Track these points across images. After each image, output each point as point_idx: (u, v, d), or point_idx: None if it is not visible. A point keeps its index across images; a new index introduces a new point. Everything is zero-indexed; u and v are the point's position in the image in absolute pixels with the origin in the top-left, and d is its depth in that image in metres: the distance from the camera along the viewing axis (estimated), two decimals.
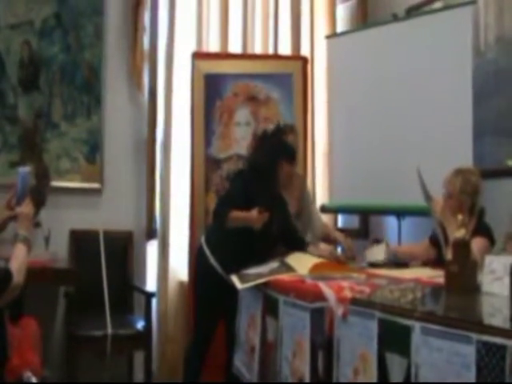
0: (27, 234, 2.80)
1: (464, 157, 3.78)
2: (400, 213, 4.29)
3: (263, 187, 3.63)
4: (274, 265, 3.34)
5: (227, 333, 3.75)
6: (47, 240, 4.32)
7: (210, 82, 4.55)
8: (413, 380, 2.09)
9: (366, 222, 5.05)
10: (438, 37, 4.06)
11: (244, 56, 4.84)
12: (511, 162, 3.82)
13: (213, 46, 4.86)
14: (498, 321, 2.05)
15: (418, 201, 3.39)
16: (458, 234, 2.67)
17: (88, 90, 4.75)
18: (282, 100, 4.64)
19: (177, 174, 4.69)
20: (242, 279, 3.25)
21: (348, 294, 2.53)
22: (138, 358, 4.55)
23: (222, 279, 3.51)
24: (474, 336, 1.86)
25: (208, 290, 3.68)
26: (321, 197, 4.89)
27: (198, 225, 4.45)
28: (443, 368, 1.97)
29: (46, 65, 4.67)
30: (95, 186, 4.76)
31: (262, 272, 3.24)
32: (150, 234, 4.87)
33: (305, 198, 4.14)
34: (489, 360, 1.82)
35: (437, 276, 2.83)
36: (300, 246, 3.64)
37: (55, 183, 4.46)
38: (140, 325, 4.35)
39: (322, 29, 5.03)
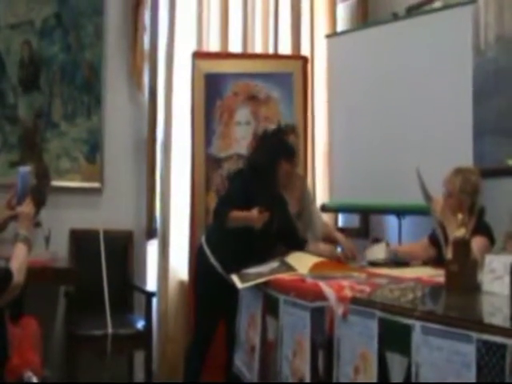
0: (27, 234, 2.80)
1: (464, 156, 3.78)
2: (400, 212, 4.29)
3: (263, 187, 3.63)
4: (274, 264, 3.34)
5: (227, 332, 3.75)
6: (47, 240, 4.33)
7: (211, 81, 4.55)
8: (413, 379, 2.09)
9: (366, 222, 5.05)
10: (438, 36, 4.06)
11: (244, 55, 4.84)
12: (511, 162, 3.82)
13: (213, 45, 4.85)
14: (498, 320, 2.05)
15: (419, 200, 3.39)
16: (458, 233, 2.67)
17: (88, 90, 4.75)
18: (282, 99, 4.64)
19: (177, 173, 4.69)
20: (243, 279, 3.25)
21: (348, 293, 2.53)
22: (139, 357, 4.55)
23: (223, 279, 3.52)
24: (475, 335, 1.87)
25: (208, 289, 3.68)
26: (321, 196, 4.89)
27: (198, 224, 4.45)
28: (443, 367, 1.97)
29: (47, 65, 4.67)
30: (95, 185, 4.76)
31: (262, 271, 3.24)
32: (151, 233, 4.87)
33: (305, 197, 4.14)
34: (489, 359, 1.82)
35: (437, 275, 2.83)
36: (300, 245, 3.64)
37: (55, 183, 4.46)
38: (140, 324, 4.35)
39: (322, 28, 5.03)
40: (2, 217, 2.90)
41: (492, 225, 3.31)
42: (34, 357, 3.11)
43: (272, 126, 4.14)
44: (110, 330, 4.14)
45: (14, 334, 2.98)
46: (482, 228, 3.23)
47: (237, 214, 3.53)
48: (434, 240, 3.46)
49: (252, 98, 4.60)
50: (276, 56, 4.92)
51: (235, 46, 4.89)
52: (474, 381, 1.86)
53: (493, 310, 2.27)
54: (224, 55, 4.78)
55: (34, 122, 4.64)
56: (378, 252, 3.60)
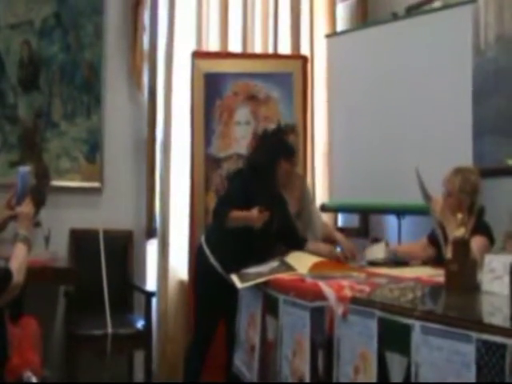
0: (27, 234, 2.80)
1: (464, 156, 3.78)
2: (400, 212, 4.29)
3: (263, 186, 3.63)
4: (273, 264, 3.34)
5: (227, 332, 3.75)
6: (47, 239, 4.32)
7: (210, 81, 4.55)
8: (413, 379, 2.09)
9: (366, 221, 5.05)
10: (437, 36, 4.06)
11: (244, 55, 4.84)
12: (511, 161, 3.82)
13: (212, 45, 4.85)
14: (498, 320, 2.05)
15: (418, 200, 3.39)
16: (458, 232, 2.67)
17: (88, 90, 4.75)
18: (282, 99, 4.63)
19: (177, 173, 4.69)
20: (242, 278, 3.25)
21: (348, 293, 2.53)
22: (138, 357, 4.55)
23: (222, 278, 3.51)
24: (474, 335, 1.87)
25: (208, 289, 3.68)
26: (321, 196, 4.88)
27: (197, 224, 4.45)
28: (443, 367, 1.97)
29: (46, 64, 4.67)
30: (95, 185, 4.76)
31: (261, 271, 3.24)
32: (150, 233, 4.87)
33: (305, 197, 4.14)
34: (489, 359, 1.82)
35: (437, 275, 2.83)
36: (300, 244, 3.64)
37: (55, 183, 4.46)
38: (140, 324, 4.35)
39: (321, 28, 5.03)
40: (1, 217, 2.90)
41: (492, 224, 3.31)
42: (33, 357, 3.11)
43: (272, 126, 4.14)
44: (109, 330, 4.14)
45: (14, 333, 2.98)
46: (481, 228, 3.24)
47: (236, 214, 3.53)
48: (433, 240, 3.46)
49: (252, 98, 4.60)
50: (276, 56, 4.91)
51: (235, 46, 4.88)
52: (473, 381, 1.86)
53: (492, 310, 2.28)
54: (224, 55, 4.77)
55: (34, 121, 4.64)
56: (377, 252, 3.60)
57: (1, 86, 4.59)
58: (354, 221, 5.13)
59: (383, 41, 4.41)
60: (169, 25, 4.74)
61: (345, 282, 2.72)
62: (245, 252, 3.53)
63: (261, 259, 3.44)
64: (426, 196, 3.31)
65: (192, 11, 4.80)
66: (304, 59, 4.81)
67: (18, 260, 2.71)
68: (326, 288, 2.62)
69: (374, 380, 2.27)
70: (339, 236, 3.98)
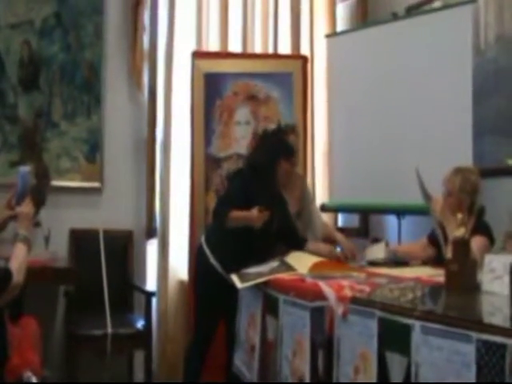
0: (27, 234, 2.80)
1: (464, 156, 3.78)
2: (400, 212, 4.29)
3: (263, 186, 3.64)
4: (273, 264, 3.34)
5: (227, 332, 3.75)
6: (47, 239, 4.32)
7: (210, 81, 4.55)
8: (413, 379, 2.09)
9: (366, 221, 5.05)
10: (437, 36, 4.06)
11: (244, 55, 4.84)
12: (511, 161, 3.82)
13: (212, 45, 4.85)
14: (498, 320, 2.05)
15: (418, 200, 3.39)
16: (458, 232, 2.67)
17: (88, 90, 4.75)
18: (282, 99, 4.64)
19: (177, 173, 4.69)
20: (242, 278, 3.25)
21: (348, 292, 2.53)
22: (138, 357, 4.55)
23: (222, 278, 3.51)
24: (474, 335, 1.87)
25: (208, 289, 3.68)
26: (321, 196, 4.89)
27: (197, 224, 4.45)
28: (443, 367, 1.98)
29: (46, 64, 4.67)
30: (95, 185, 4.76)
31: (261, 271, 3.24)
32: (150, 233, 4.87)
33: (305, 197, 4.14)
34: (489, 359, 1.82)
35: (437, 275, 2.83)
36: (300, 244, 3.64)
37: (55, 182, 4.45)
38: (140, 324, 4.35)
39: (321, 28, 5.03)
40: (1, 217, 2.90)
41: (492, 224, 3.31)
42: (33, 357, 3.11)
43: (272, 126, 4.14)
44: (109, 330, 4.13)
45: (14, 333, 2.98)
46: (481, 227, 3.23)
47: (236, 214, 3.53)
48: (432, 240, 3.46)
49: (252, 98, 4.60)
50: (276, 56, 4.92)
51: (235, 46, 4.88)
52: (473, 381, 1.86)
53: (492, 310, 2.28)
54: (224, 55, 4.77)
55: (34, 121, 4.64)
56: (377, 252, 3.60)
57: (1, 85, 4.58)
58: (354, 221, 5.13)
59: (383, 41, 4.41)
60: (169, 25, 4.74)
61: (345, 282, 2.72)
62: (245, 252, 3.53)
63: (261, 259, 3.44)
64: (426, 196, 3.31)
65: (192, 11, 4.80)
66: (304, 59, 4.81)
67: (18, 260, 2.71)
68: (326, 288, 2.62)
69: (374, 380, 2.27)
70: (339, 236, 3.97)
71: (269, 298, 3.04)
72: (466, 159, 3.71)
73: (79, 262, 4.50)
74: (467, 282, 2.52)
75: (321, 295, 2.61)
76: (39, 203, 2.96)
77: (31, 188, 2.94)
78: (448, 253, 2.82)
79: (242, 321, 3.36)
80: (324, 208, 4.69)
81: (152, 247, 4.85)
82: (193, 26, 4.80)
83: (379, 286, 2.68)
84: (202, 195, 4.50)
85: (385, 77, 4.36)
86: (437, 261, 3.30)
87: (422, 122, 4.14)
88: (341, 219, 5.21)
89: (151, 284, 4.77)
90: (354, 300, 2.46)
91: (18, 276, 2.66)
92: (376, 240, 4.08)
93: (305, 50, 4.98)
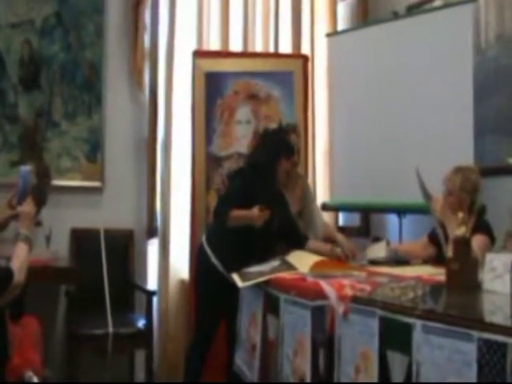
0: (28, 233, 2.80)
1: (465, 155, 3.78)
2: (401, 211, 4.29)
3: (263, 185, 3.64)
4: (274, 263, 3.34)
5: (228, 331, 3.75)
6: (48, 239, 4.33)
7: (211, 80, 4.55)
8: (414, 378, 2.10)
9: (366, 220, 5.05)
10: (438, 35, 4.06)
11: (244, 54, 4.84)
12: None
13: (213, 44, 4.85)
14: (499, 318, 2.05)
15: (419, 199, 3.39)
16: (459, 231, 2.67)
17: (89, 89, 4.75)
18: (283, 98, 4.63)
19: (177, 172, 4.69)
20: (243, 277, 3.25)
21: (349, 291, 2.53)
22: (139, 356, 4.55)
23: (223, 278, 3.51)
24: (475, 334, 1.87)
25: (209, 288, 3.68)
26: (322, 195, 4.89)
27: (198, 223, 4.45)
28: (444, 366, 1.98)
29: (47, 64, 4.67)
30: (96, 184, 4.76)
31: (262, 270, 3.24)
32: (151, 232, 4.87)
33: (306, 196, 4.14)
34: (490, 358, 1.82)
35: (438, 274, 2.83)
36: (301, 243, 3.64)
37: (56, 182, 4.44)
38: (141, 323, 4.35)
39: (322, 27, 5.04)
40: (2, 216, 2.91)
41: (493, 223, 3.31)
42: (34, 356, 3.11)
43: (273, 125, 4.14)
44: (110, 329, 4.14)
45: (15, 333, 2.98)
46: (482, 226, 3.23)
47: (237, 213, 3.53)
48: (433, 238, 3.46)
49: (252, 97, 4.60)
50: (276, 55, 4.92)
51: (236, 45, 4.88)
52: (474, 380, 1.86)
53: (493, 309, 2.27)
54: (224, 54, 4.77)
55: (35, 121, 4.64)
56: (378, 251, 3.60)
57: (1, 85, 4.58)
58: (355, 220, 5.13)
59: (384, 40, 4.41)
60: (170, 24, 4.74)
61: (346, 281, 2.71)
62: (246, 251, 3.53)
63: (262, 258, 3.44)
64: (427, 195, 3.31)
65: (193, 10, 4.80)
66: (305, 58, 4.81)
67: (19, 259, 2.71)
68: (326, 287, 2.62)
69: (375, 379, 2.27)
70: (340, 237, 3.95)
71: (270, 297, 3.04)
72: (466, 158, 3.71)
73: (80, 261, 4.51)
74: (468, 281, 2.52)
75: (322, 294, 2.61)
76: (40, 203, 2.96)
77: (32, 187, 2.95)
78: (449, 252, 2.82)
79: (242, 320, 3.36)
80: (325, 207, 4.69)
81: (153, 246, 4.85)
82: (193, 25, 4.80)
83: (380, 284, 2.68)
84: (203, 194, 4.50)
85: (385, 76, 4.36)
86: (437, 260, 3.30)
87: (423, 121, 4.13)
88: (342, 218, 5.21)
89: (152, 283, 4.77)
90: (355, 299, 2.46)
91: (19, 275, 2.66)
92: (377, 239, 4.08)
93: (305, 49, 4.99)
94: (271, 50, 4.95)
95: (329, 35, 4.85)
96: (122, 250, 4.73)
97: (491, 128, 3.94)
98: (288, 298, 2.82)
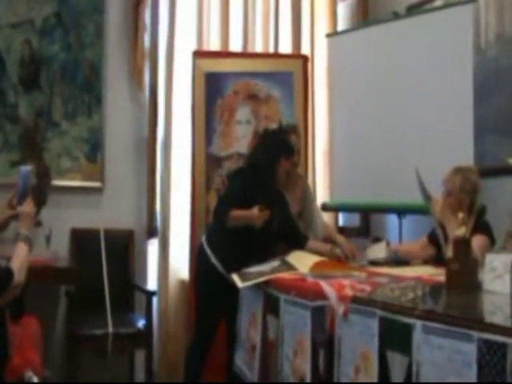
0: (28, 233, 2.80)
1: (465, 155, 3.78)
2: (401, 211, 4.29)
3: (263, 185, 3.64)
4: (274, 263, 3.34)
5: (228, 331, 3.76)
6: (48, 239, 4.33)
7: (211, 80, 4.55)
8: (414, 378, 2.09)
9: (366, 220, 5.05)
10: (438, 35, 4.06)
11: (244, 54, 4.84)
12: None
13: (213, 44, 4.85)
14: (499, 319, 2.05)
15: (419, 199, 3.39)
16: (459, 232, 2.67)
17: (89, 89, 4.75)
18: (283, 98, 4.63)
19: (177, 172, 4.69)
20: (243, 278, 3.25)
21: (349, 292, 2.53)
22: (139, 356, 4.55)
23: (223, 278, 3.52)
24: (475, 334, 1.87)
25: (209, 288, 3.68)
26: (321, 195, 4.89)
27: (198, 223, 4.45)
28: (444, 366, 1.98)
29: (47, 64, 4.67)
30: (96, 184, 4.76)
31: (262, 270, 3.24)
32: (151, 232, 4.87)
33: (306, 197, 4.14)
34: (490, 358, 1.82)
35: (437, 274, 2.83)
36: (301, 243, 3.64)
37: (56, 182, 4.45)
38: (141, 323, 4.35)
39: (322, 27, 5.04)
40: (2, 216, 2.90)
41: (492, 224, 3.31)
42: (34, 356, 3.11)
43: (273, 125, 4.14)
44: (110, 330, 4.14)
45: (15, 333, 2.98)
46: (481, 227, 3.23)
47: (237, 213, 3.53)
48: (432, 239, 3.46)
49: (252, 97, 4.60)
50: (276, 55, 4.92)
51: (235, 45, 4.89)
52: (474, 380, 1.86)
53: (493, 309, 2.27)
54: (224, 54, 4.77)
55: (35, 121, 4.64)
56: (378, 251, 3.60)
57: (1, 85, 4.58)
58: (355, 220, 5.13)
59: (384, 40, 4.41)
60: (170, 24, 4.74)
61: (346, 282, 2.71)
62: (246, 251, 3.53)
63: (262, 258, 3.44)
64: (426, 196, 3.31)
65: (193, 10, 4.80)
66: (305, 58, 4.81)
67: (19, 259, 2.71)
68: (326, 287, 2.62)
69: (375, 379, 2.27)
70: (340, 238, 3.95)
71: (270, 298, 3.04)
72: (466, 159, 3.71)
73: (80, 261, 4.51)
74: (468, 281, 2.52)
75: (322, 294, 2.61)
76: (40, 203, 2.96)
77: (32, 188, 2.94)
78: (448, 252, 2.83)
79: (242, 320, 3.36)
80: (325, 207, 4.69)
81: (153, 247, 4.85)
82: (194, 25, 4.81)
83: (380, 285, 2.68)
84: (203, 194, 4.50)
85: (385, 76, 4.36)
86: (437, 260, 3.31)
87: (423, 122, 4.13)
88: (341, 218, 5.21)
89: (152, 283, 4.77)
90: (355, 299, 2.46)
91: (19, 275, 2.66)
92: (377, 239, 4.08)
93: (305, 49, 4.99)
94: (271, 50, 4.96)
95: (329, 35, 4.85)
96: (122, 250, 4.73)
97: (491, 128, 3.94)
98: (288, 299, 2.82)
